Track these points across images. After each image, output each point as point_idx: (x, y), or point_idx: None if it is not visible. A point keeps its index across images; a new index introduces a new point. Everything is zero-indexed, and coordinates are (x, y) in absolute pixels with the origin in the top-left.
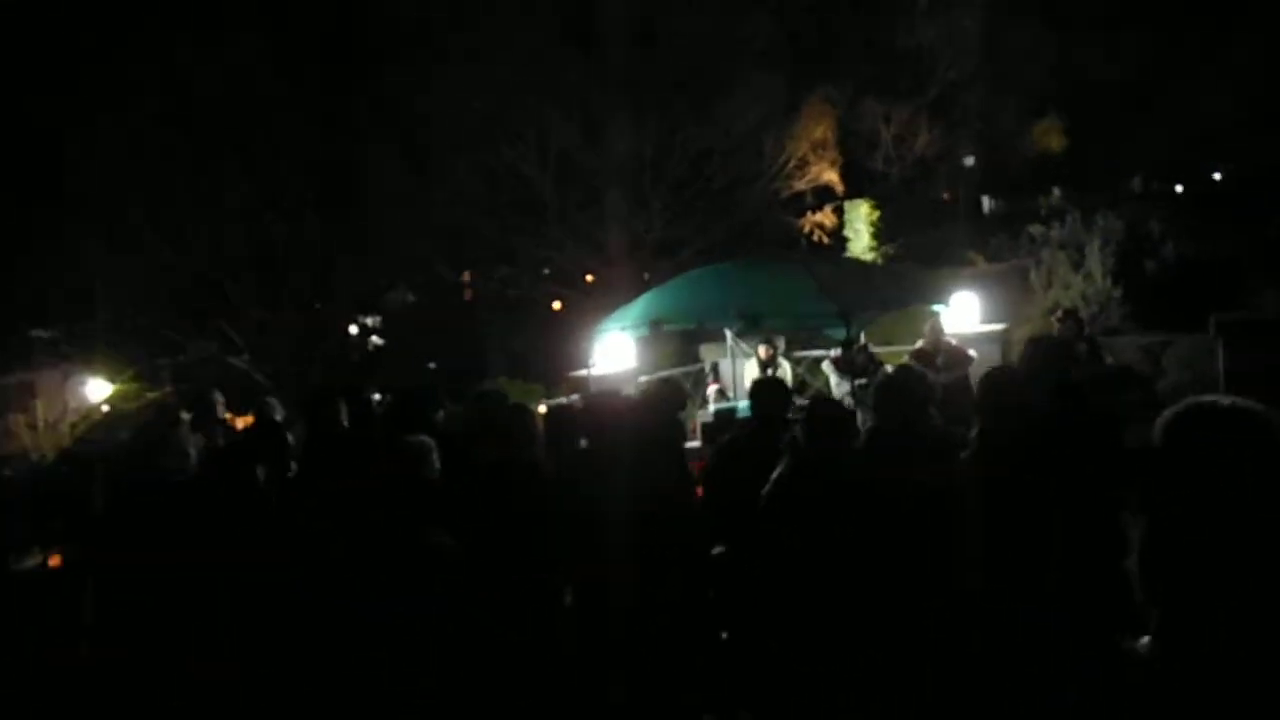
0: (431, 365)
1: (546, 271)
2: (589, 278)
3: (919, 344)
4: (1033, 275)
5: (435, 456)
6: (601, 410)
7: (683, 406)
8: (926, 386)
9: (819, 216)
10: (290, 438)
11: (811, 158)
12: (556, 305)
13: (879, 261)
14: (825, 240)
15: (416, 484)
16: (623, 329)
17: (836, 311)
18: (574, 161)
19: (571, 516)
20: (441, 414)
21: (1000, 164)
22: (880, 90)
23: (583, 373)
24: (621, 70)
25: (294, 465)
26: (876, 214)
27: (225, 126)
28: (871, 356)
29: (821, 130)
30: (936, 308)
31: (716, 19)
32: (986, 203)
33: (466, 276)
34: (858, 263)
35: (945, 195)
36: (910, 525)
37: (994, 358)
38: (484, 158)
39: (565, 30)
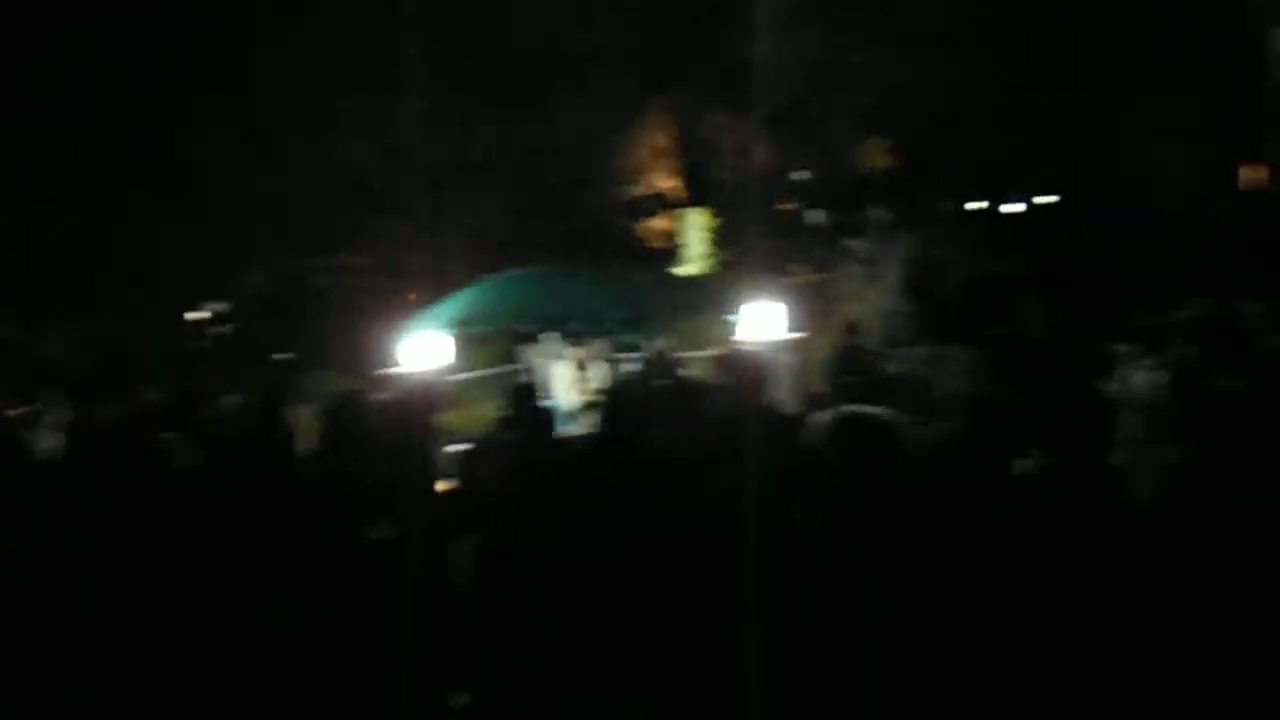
0: (277, 356)
1: (380, 262)
2: (426, 272)
3: (714, 351)
4: (839, 288)
5: (186, 452)
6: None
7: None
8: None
9: (659, 222)
10: None
11: (652, 165)
12: (411, 297)
13: (712, 269)
14: (664, 246)
15: (157, 475)
16: (438, 327)
17: (631, 317)
18: (410, 153)
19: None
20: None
21: (833, 179)
22: (724, 102)
23: (391, 369)
24: (459, 64)
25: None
26: (714, 223)
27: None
28: (671, 362)
29: (662, 138)
30: (735, 316)
31: (561, 21)
32: (817, 216)
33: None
34: (665, 273)
35: (784, 207)
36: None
37: (792, 365)
38: (319, 144)
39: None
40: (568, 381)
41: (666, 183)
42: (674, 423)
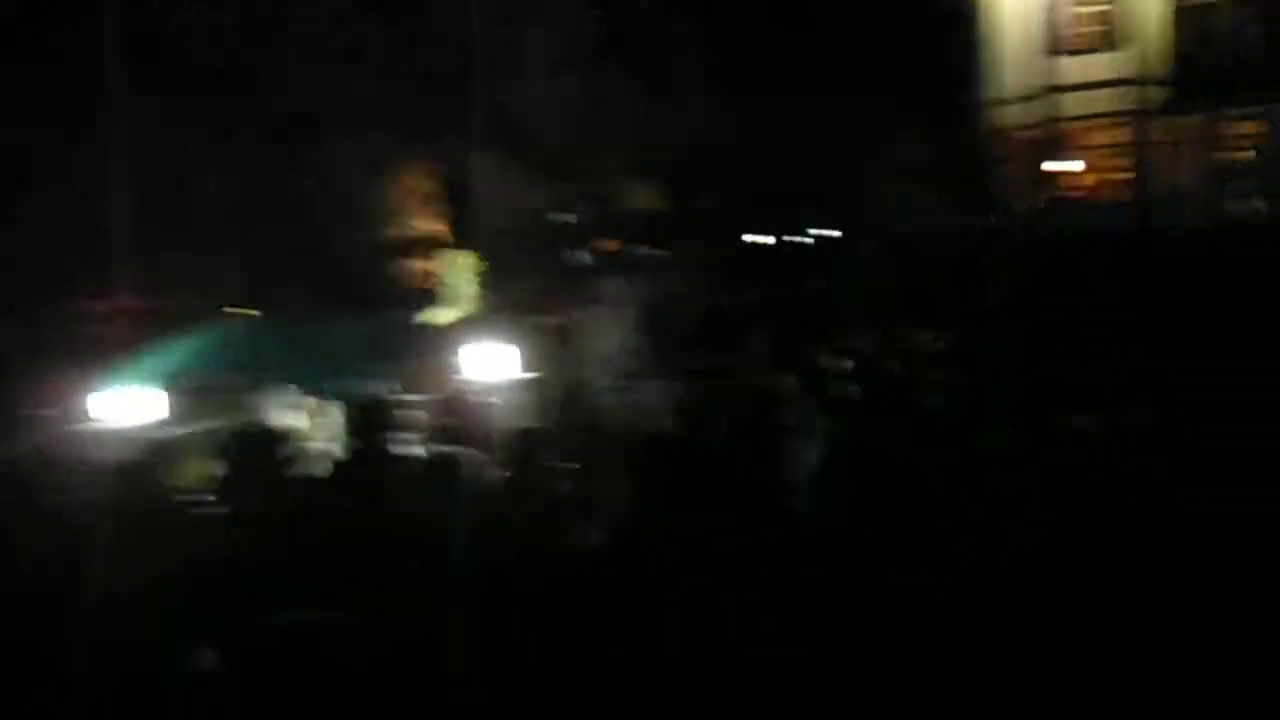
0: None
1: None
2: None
3: (434, 394)
4: (586, 325)
5: None
6: None
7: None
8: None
9: (426, 265)
10: None
11: (416, 208)
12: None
13: (473, 311)
14: (432, 289)
15: None
16: (149, 379)
17: (357, 361)
18: (159, 200)
19: None
20: None
21: (604, 220)
22: (492, 146)
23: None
24: (213, 110)
25: None
26: (479, 265)
27: None
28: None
29: (428, 183)
30: (469, 357)
31: (319, 67)
32: (582, 257)
33: None
34: (409, 315)
35: (566, 249)
36: None
37: (524, 405)
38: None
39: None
40: (301, 428)
41: (430, 225)
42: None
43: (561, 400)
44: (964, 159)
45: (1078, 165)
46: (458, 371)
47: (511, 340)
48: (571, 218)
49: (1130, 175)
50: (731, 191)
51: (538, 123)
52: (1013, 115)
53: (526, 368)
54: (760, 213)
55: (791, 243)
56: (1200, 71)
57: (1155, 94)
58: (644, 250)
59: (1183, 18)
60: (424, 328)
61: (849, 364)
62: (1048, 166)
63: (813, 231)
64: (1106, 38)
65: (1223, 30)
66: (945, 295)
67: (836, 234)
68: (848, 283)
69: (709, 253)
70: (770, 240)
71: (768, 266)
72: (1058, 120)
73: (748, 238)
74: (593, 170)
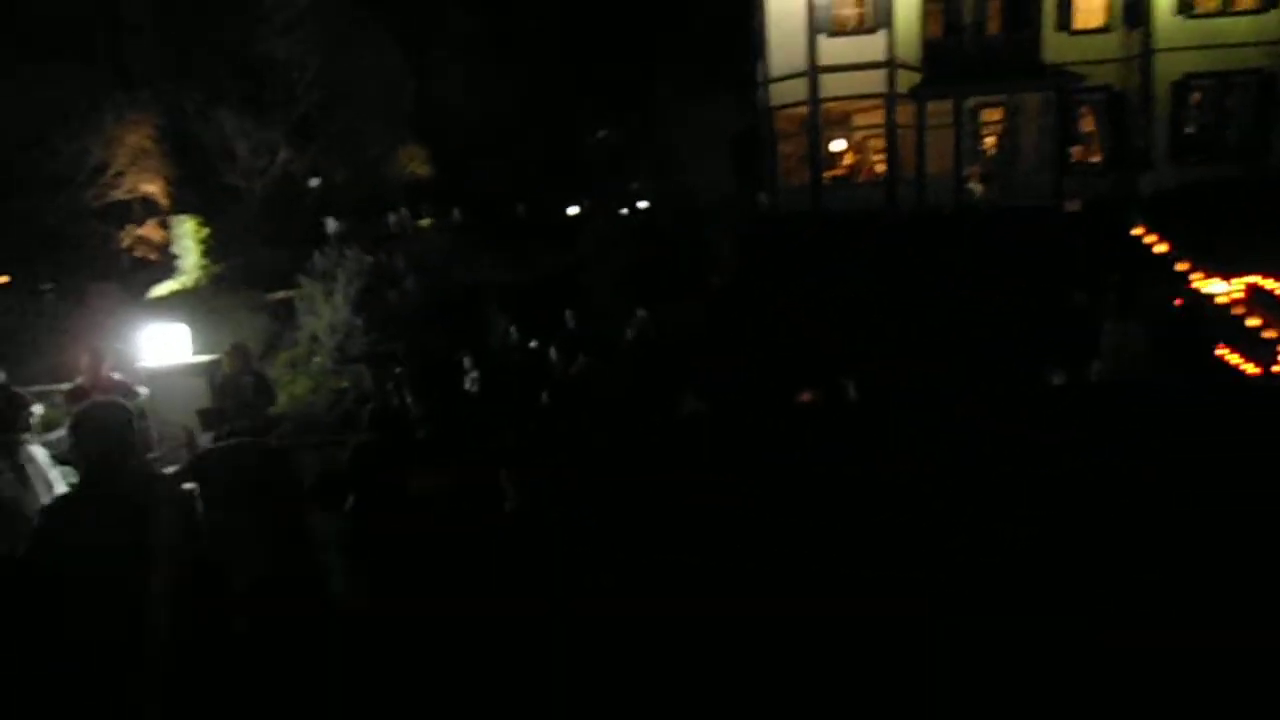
0: None
1: None
2: None
3: (76, 380)
4: (297, 303)
5: None
6: None
7: None
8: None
9: (144, 230)
10: None
11: (129, 167)
12: None
13: (200, 283)
14: (152, 256)
15: None
16: None
17: None
18: None
19: None
20: None
21: (364, 186)
22: (236, 102)
23: None
24: None
25: None
26: (205, 231)
27: None
28: (13, 397)
29: (139, 138)
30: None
31: None
32: (331, 224)
33: None
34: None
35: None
36: None
37: (198, 390)
38: None
39: None
40: None
41: (147, 186)
42: None
43: (227, 386)
44: (744, 135)
45: (842, 144)
46: (119, 354)
47: (205, 319)
48: (316, 181)
49: (885, 157)
50: (505, 161)
51: (284, 76)
52: (785, 93)
53: (209, 349)
54: (535, 183)
55: (563, 215)
56: (948, 59)
57: (906, 78)
58: (398, 219)
59: (931, 6)
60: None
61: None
62: (817, 146)
63: (580, 204)
64: (864, 20)
65: (967, 21)
66: (688, 271)
67: (597, 207)
68: (601, 258)
69: (475, 223)
70: (542, 211)
71: (532, 239)
72: (823, 100)
73: (520, 208)
74: (348, 131)
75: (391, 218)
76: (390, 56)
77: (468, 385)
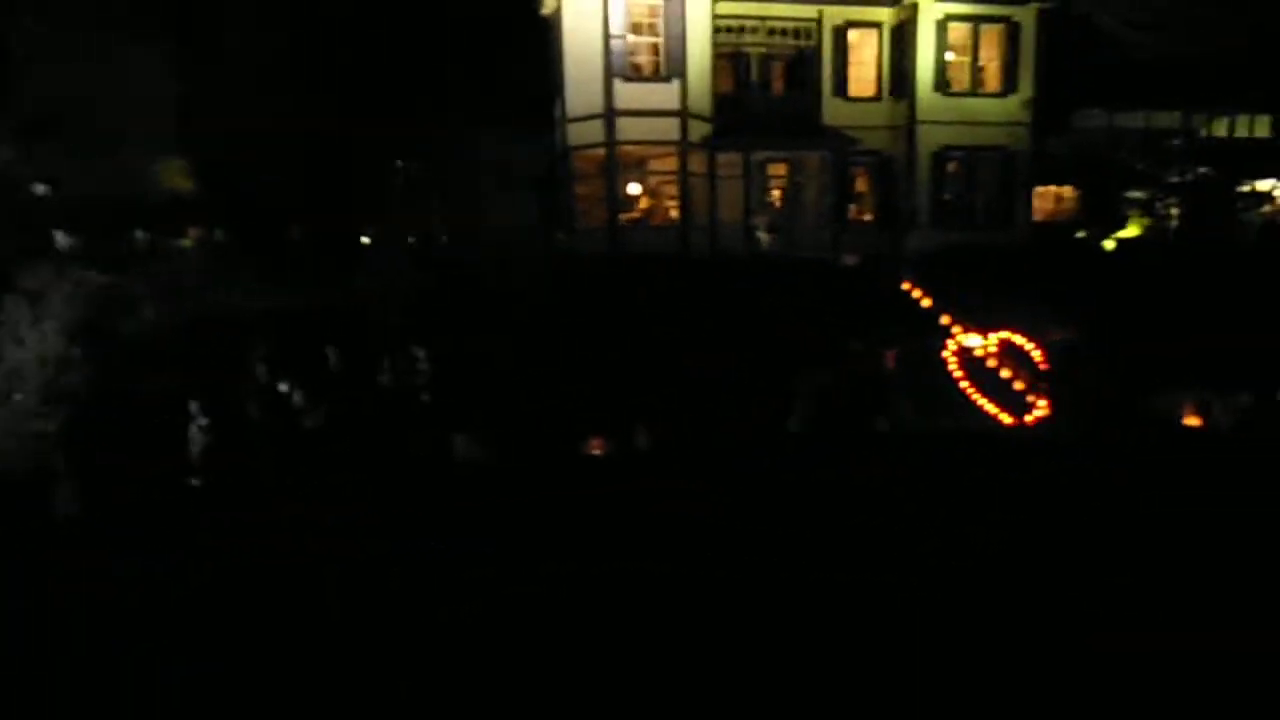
0: None
1: None
2: None
3: None
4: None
5: None
6: None
7: None
8: None
9: None
10: None
11: None
12: None
13: None
14: None
15: None
16: None
17: None
18: None
19: None
20: None
21: (112, 199)
22: None
23: None
24: None
25: None
26: None
27: None
28: None
29: None
30: None
31: None
32: (61, 239)
33: None
34: None
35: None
36: None
37: None
38: None
39: None
40: None
41: None
42: None
43: None
44: (544, 173)
45: (639, 189)
46: None
47: None
48: (44, 188)
49: (679, 203)
50: (291, 181)
51: (15, 68)
52: (583, 133)
53: None
54: (323, 207)
55: (352, 242)
56: (737, 113)
57: (702, 128)
58: (145, 236)
59: (721, 61)
60: None
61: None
62: (614, 188)
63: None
64: (659, 69)
65: (755, 80)
66: (482, 308)
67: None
68: (389, 289)
69: (247, 245)
70: (327, 236)
71: (312, 265)
72: (620, 143)
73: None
74: (94, 137)
75: (138, 234)
76: (151, 61)
77: (193, 435)
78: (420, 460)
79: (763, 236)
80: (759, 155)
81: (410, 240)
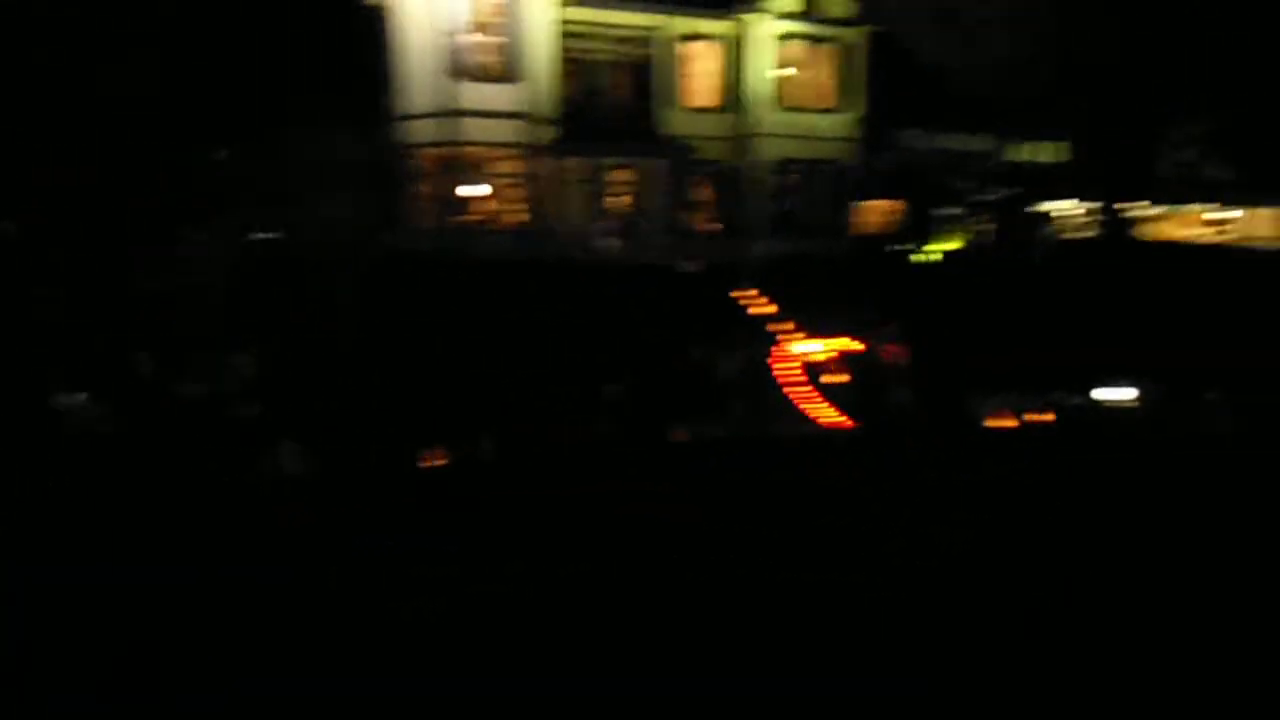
0: None
1: None
2: None
3: None
4: None
5: None
6: None
7: None
8: None
9: None
10: None
11: None
12: None
13: None
14: None
15: None
16: None
17: None
18: None
19: None
20: None
21: None
22: None
23: None
24: None
25: None
26: None
27: None
28: None
29: None
30: None
31: None
32: None
33: None
34: None
35: None
36: None
37: None
38: None
39: None
40: None
41: None
42: None
43: None
44: (377, 170)
45: (481, 190)
46: None
47: None
48: None
49: (524, 207)
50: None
51: None
52: (421, 131)
53: None
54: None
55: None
56: (582, 118)
57: (546, 132)
58: None
59: (567, 66)
60: None
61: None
62: (455, 188)
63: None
64: (504, 70)
65: (600, 86)
66: (308, 310)
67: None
68: (204, 288)
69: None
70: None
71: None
72: (463, 144)
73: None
74: None
75: None
76: None
77: None
78: (234, 476)
79: (610, 242)
80: (603, 161)
81: (234, 238)
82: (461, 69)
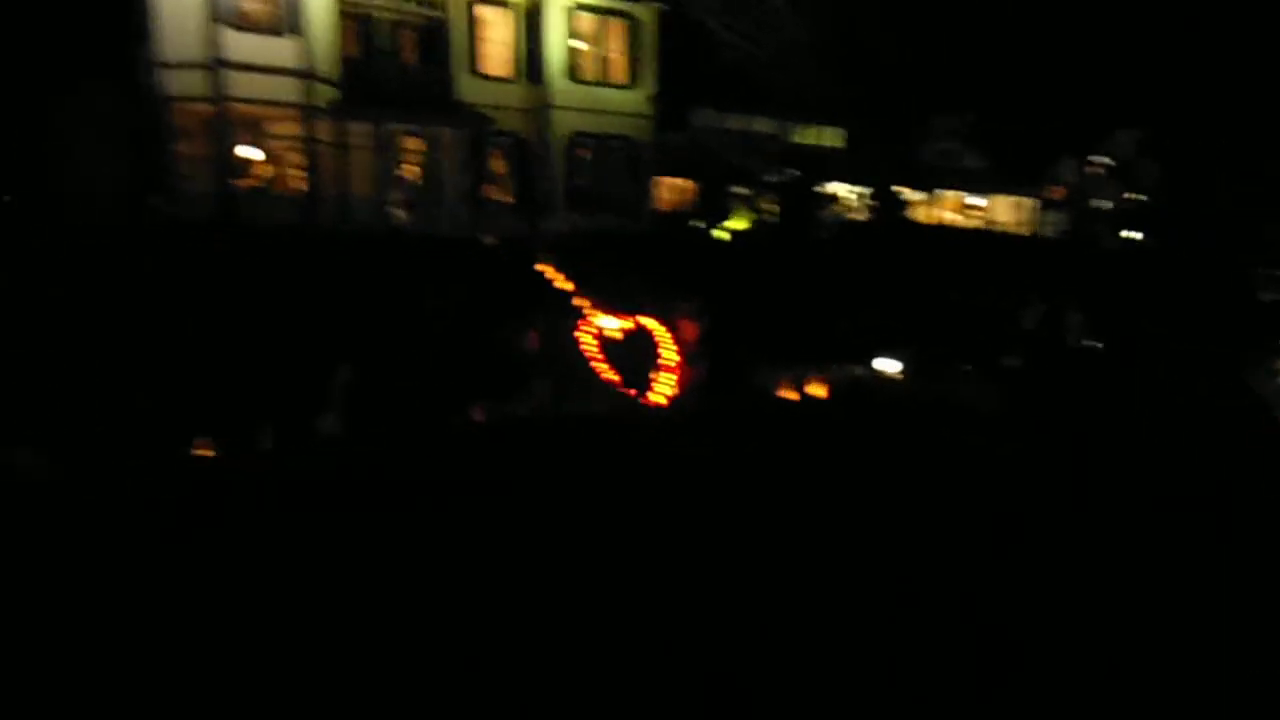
0: None
1: None
2: None
3: None
4: None
5: None
6: None
7: None
8: None
9: None
10: None
11: None
12: None
13: None
14: None
15: None
16: None
17: None
18: None
19: None
20: None
21: None
22: None
23: None
24: None
25: None
26: None
27: None
28: None
29: None
30: None
31: None
32: None
33: None
34: None
35: None
36: None
37: None
38: None
39: None
40: None
41: None
42: None
43: None
44: (142, 127)
45: (257, 153)
46: None
47: None
48: None
49: (305, 172)
50: None
51: None
52: (184, 84)
53: None
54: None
55: None
56: (367, 80)
57: (326, 93)
58: None
59: (348, 22)
60: None
61: None
62: (230, 150)
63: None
64: (275, 21)
65: (384, 46)
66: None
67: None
68: None
69: None
70: None
71: None
72: (230, 99)
73: None
74: None
75: None
76: None
77: None
78: None
79: (398, 213)
80: (392, 127)
81: None
82: (227, 16)
